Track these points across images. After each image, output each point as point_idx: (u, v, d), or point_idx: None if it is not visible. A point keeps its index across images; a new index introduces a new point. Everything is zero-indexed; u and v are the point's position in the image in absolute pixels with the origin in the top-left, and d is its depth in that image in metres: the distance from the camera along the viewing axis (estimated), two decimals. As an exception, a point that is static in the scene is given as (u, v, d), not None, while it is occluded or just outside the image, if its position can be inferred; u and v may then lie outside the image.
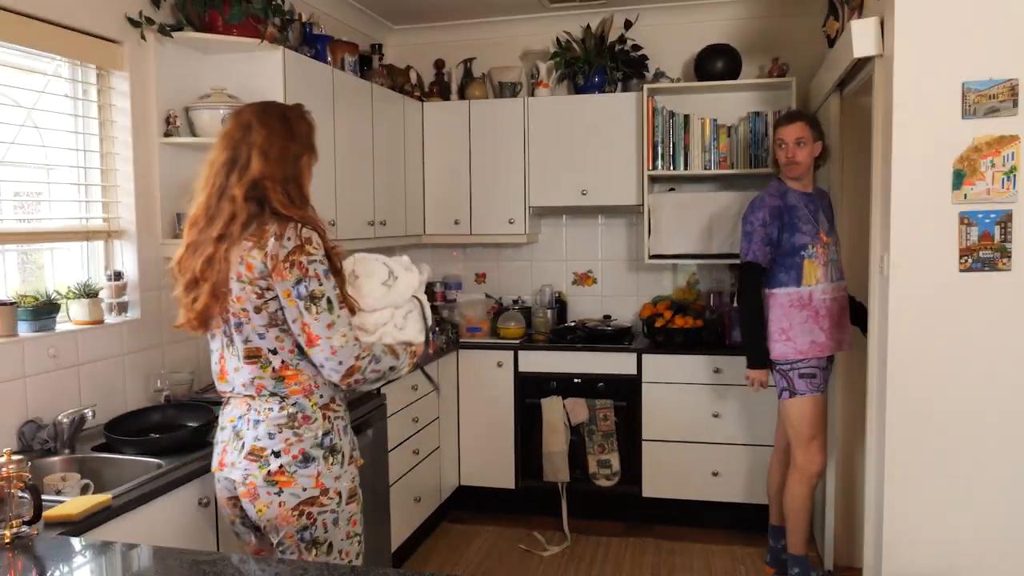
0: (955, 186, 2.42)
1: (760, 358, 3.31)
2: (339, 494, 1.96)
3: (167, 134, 3.01)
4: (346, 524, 2.00)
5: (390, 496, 3.47)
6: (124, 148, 2.88)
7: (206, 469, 2.27)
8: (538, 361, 4.30)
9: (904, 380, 2.49)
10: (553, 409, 4.21)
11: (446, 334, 4.37)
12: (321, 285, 1.87)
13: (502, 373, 4.34)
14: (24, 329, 2.47)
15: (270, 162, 1.89)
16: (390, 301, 2.08)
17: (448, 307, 4.69)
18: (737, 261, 4.17)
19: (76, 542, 1.73)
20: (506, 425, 4.34)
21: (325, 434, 1.96)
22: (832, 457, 3.51)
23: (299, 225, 1.88)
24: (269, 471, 1.91)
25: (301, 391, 1.94)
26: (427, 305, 2.23)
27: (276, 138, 1.91)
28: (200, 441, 2.45)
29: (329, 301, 1.88)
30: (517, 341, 4.39)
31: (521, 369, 4.31)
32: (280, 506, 1.92)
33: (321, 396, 1.97)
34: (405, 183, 4.39)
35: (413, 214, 4.51)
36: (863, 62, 2.82)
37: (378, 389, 3.33)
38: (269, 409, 1.94)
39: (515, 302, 4.78)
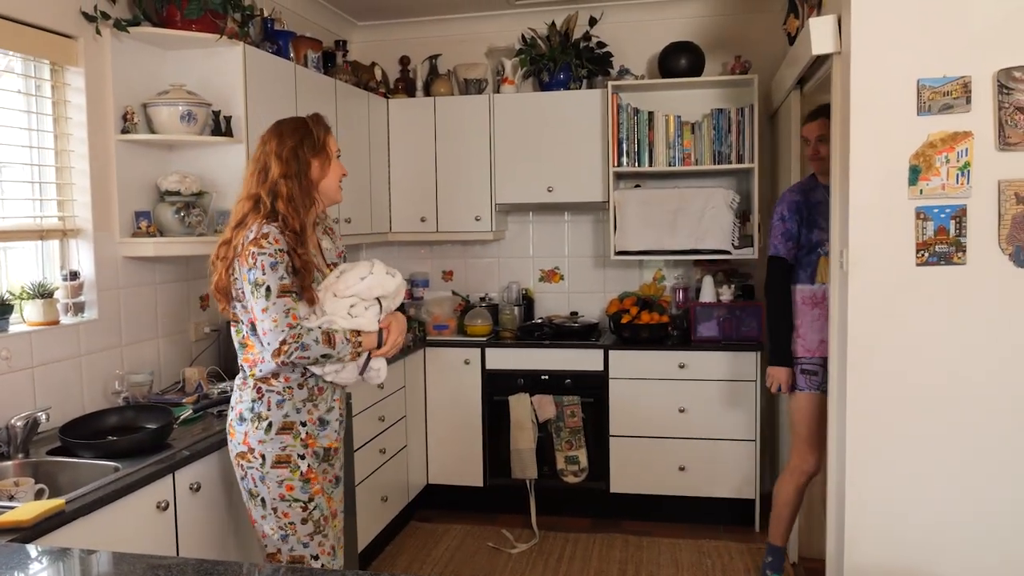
0: (911, 182, 2.45)
1: (782, 356, 3.23)
2: (262, 456, 2.22)
3: (124, 131, 2.95)
4: (276, 486, 2.22)
5: (356, 495, 3.44)
6: (80, 145, 2.82)
7: (165, 472, 2.25)
8: (505, 358, 4.29)
9: (863, 373, 2.52)
10: (521, 406, 4.20)
11: (412, 332, 4.35)
12: (264, 275, 2.12)
13: (469, 371, 4.32)
14: (-25, 331, 2.41)
15: (283, 163, 2.21)
16: (356, 291, 2.25)
17: (415, 305, 4.66)
18: (703, 257, 4.25)
19: (27, 548, 1.68)
20: (474, 423, 4.33)
21: (253, 401, 2.24)
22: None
23: (264, 222, 2.16)
24: (228, 421, 2.30)
25: (250, 361, 2.26)
26: (390, 310, 2.35)
27: (288, 143, 2.23)
28: (159, 443, 2.41)
29: (268, 289, 2.12)
30: (484, 338, 4.38)
31: (488, 366, 4.30)
32: (230, 452, 2.29)
33: (260, 370, 2.23)
34: (370, 181, 4.35)
35: (379, 212, 4.47)
36: (822, 59, 2.84)
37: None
38: (239, 370, 2.31)
39: (482, 299, 4.76)
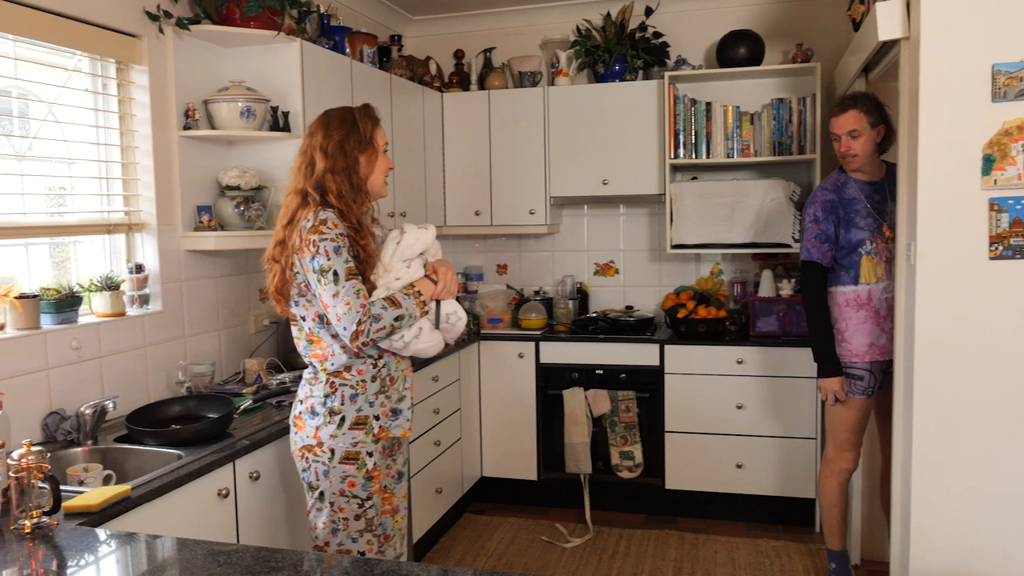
0: (985, 171, 2.36)
1: (832, 366, 3.08)
2: (331, 451, 2.21)
3: (186, 127, 3.02)
4: (339, 481, 2.21)
5: (411, 487, 3.47)
6: (144, 141, 2.90)
7: (226, 460, 2.30)
8: (560, 352, 4.28)
9: (932, 371, 2.44)
10: (575, 400, 4.19)
11: (468, 326, 4.35)
12: (329, 260, 2.10)
13: (523, 364, 4.32)
14: (47, 322, 2.50)
15: (328, 158, 2.18)
16: (400, 255, 2.27)
17: (469, 298, 4.68)
18: (762, 251, 4.16)
19: (95, 532, 1.74)
20: (528, 417, 4.33)
21: (326, 396, 2.22)
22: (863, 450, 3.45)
23: (320, 209, 2.15)
24: (296, 414, 2.28)
25: (319, 356, 2.23)
26: (436, 256, 2.37)
27: (334, 136, 2.20)
28: (220, 432, 2.47)
29: (335, 274, 2.10)
30: (538, 332, 4.38)
31: (542, 360, 4.30)
32: (293, 445, 2.28)
33: (332, 364, 2.22)
34: (425, 174, 4.38)
35: (434, 205, 4.50)
36: (889, 45, 2.75)
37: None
38: (306, 366, 2.30)
39: (536, 293, 4.76)
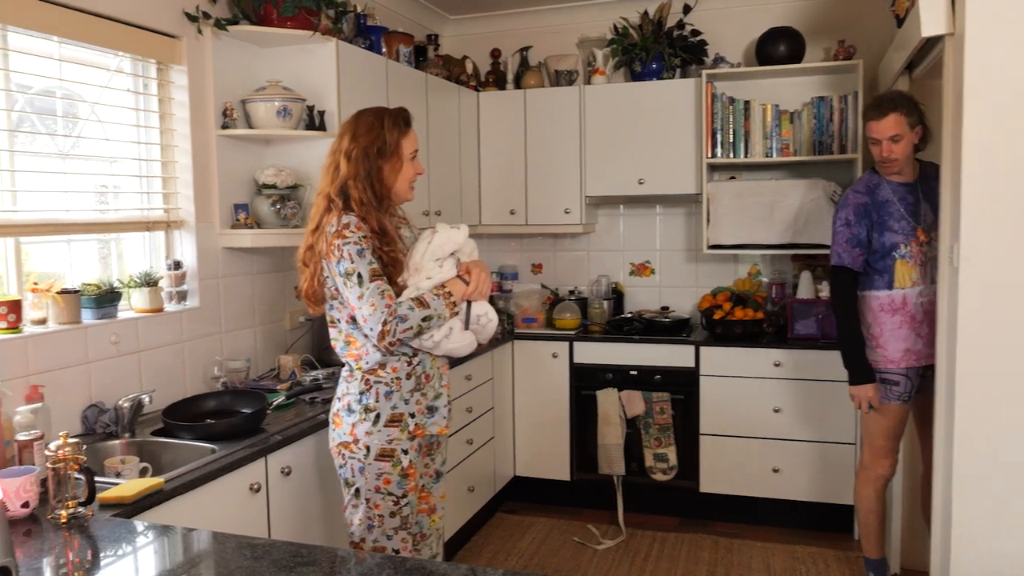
0: (1031, 171, 2.29)
1: (863, 373, 3.02)
2: (367, 448, 2.23)
3: (224, 126, 3.07)
4: (375, 478, 2.23)
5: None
6: (183, 140, 2.95)
7: (258, 455, 2.33)
8: (594, 352, 4.26)
9: (974, 377, 2.37)
10: (609, 401, 4.17)
11: (502, 325, 4.37)
12: (352, 263, 2.13)
13: (557, 364, 4.31)
14: (88, 317, 2.56)
15: (351, 164, 2.21)
16: (429, 255, 2.26)
17: (504, 297, 4.68)
18: (801, 252, 4.10)
19: (128, 523, 1.78)
20: (561, 417, 4.32)
21: (361, 393, 2.25)
22: (901, 456, 3.38)
23: (342, 214, 2.18)
24: (334, 411, 2.32)
25: (354, 355, 2.26)
26: (470, 258, 2.36)
27: (359, 142, 2.22)
28: (254, 427, 2.50)
29: (359, 276, 2.13)
30: (573, 332, 4.37)
31: (576, 360, 4.28)
32: (331, 441, 2.31)
33: (366, 362, 2.25)
34: (460, 173, 4.40)
35: (469, 204, 4.51)
36: (933, 42, 2.69)
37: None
38: (342, 365, 2.34)
39: (571, 293, 4.74)
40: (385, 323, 2.11)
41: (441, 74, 4.28)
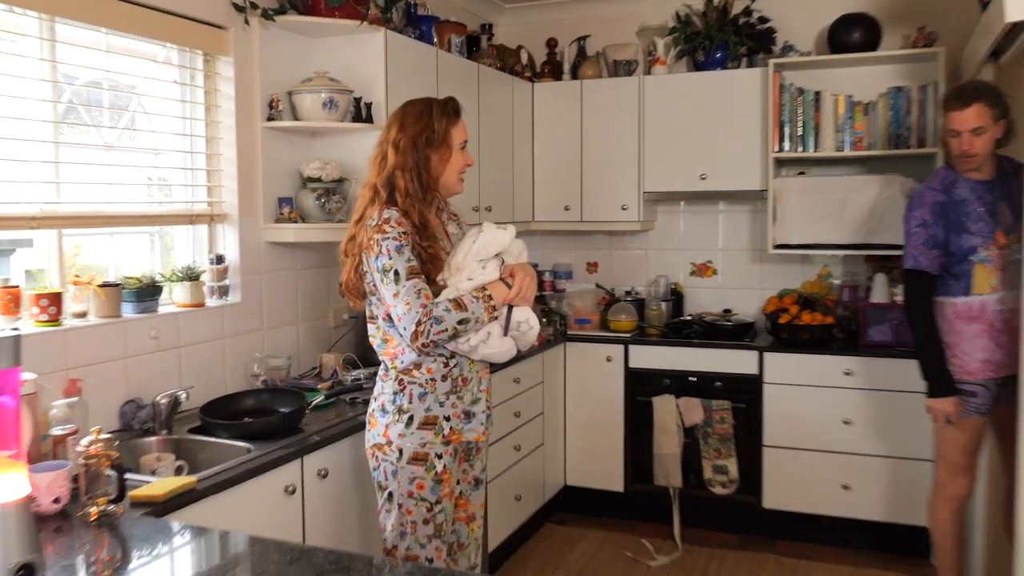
0: None
1: (944, 385, 2.91)
2: (400, 451, 2.23)
3: (270, 118, 3.10)
4: (407, 482, 2.23)
5: (488, 493, 3.46)
6: (228, 132, 3.00)
7: (294, 456, 2.34)
8: (650, 357, 4.19)
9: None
10: (665, 409, 4.09)
11: (554, 326, 4.33)
12: (391, 259, 2.14)
13: (612, 368, 4.26)
14: (128, 311, 2.61)
15: (399, 153, 2.22)
16: (473, 255, 2.24)
17: (556, 297, 4.64)
18: (875, 252, 3.96)
19: (157, 523, 1.79)
20: (615, 424, 4.26)
21: (395, 394, 2.25)
22: (981, 474, 3.23)
23: (384, 207, 2.20)
24: (370, 412, 2.33)
25: (390, 354, 2.27)
26: (518, 260, 2.32)
27: (408, 131, 2.24)
28: (291, 427, 2.51)
29: (396, 273, 2.13)
30: (628, 335, 4.30)
31: (632, 365, 4.22)
32: (367, 443, 2.31)
33: (402, 362, 2.25)
34: (513, 167, 4.37)
35: (521, 200, 4.49)
36: (1020, 27, 2.55)
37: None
38: (380, 363, 2.34)
39: (628, 293, 4.68)
40: (419, 323, 2.10)
41: (494, 65, 4.26)
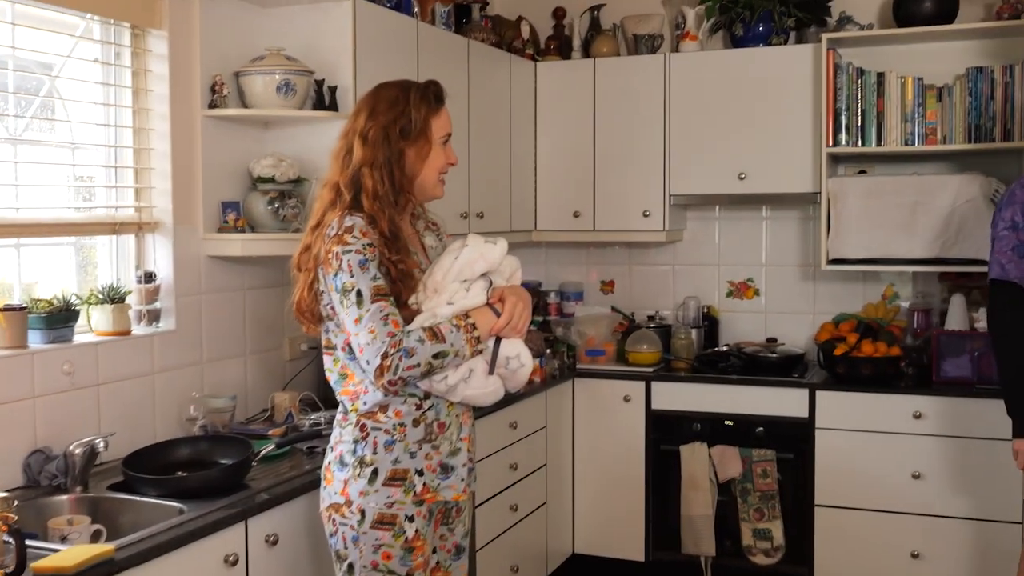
0: None
1: None
2: (361, 512, 2.21)
3: (212, 105, 3.12)
4: (371, 552, 2.21)
5: (477, 563, 3.45)
6: (161, 122, 3.01)
7: (237, 518, 2.33)
8: (678, 396, 4.22)
9: None
10: (696, 460, 4.10)
11: (560, 358, 4.33)
12: (352, 277, 2.13)
13: (630, 410, 4.27)
14: (36, 339, 2.61)
15: (368, 146, 2.22)
16: (454, 274, 2.24)
17: (563, 323, 4.66)
18: (952, 268, 3.98)
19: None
20: (634, 479, 4.27)
21: (356, 442, 2.24)
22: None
23: (348, 213, 2.19)
24: (325, 465, 2.31)
25: (350, 393, 2.26)
26: (510, 281, 2.33)
27: (379, 120, 2.24)
28: (235, 483, 2.51)
29: (359, 294, 2.12)
30: (651, 369, 4.32)
31: (655, 406, 4.24)
32: (321, 501, 2.31)
33: (364, 403, 2.24)
34: (511, 165, 4.40)
35: (521, 204, 4.51)
36: None
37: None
38: (339, 403, 2.31)
39: (650, 319, 4.71)
40: (386, 356, 2.08)
41: (489, 40, 4.29)
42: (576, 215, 4.57)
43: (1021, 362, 2.98)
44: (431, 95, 2.31)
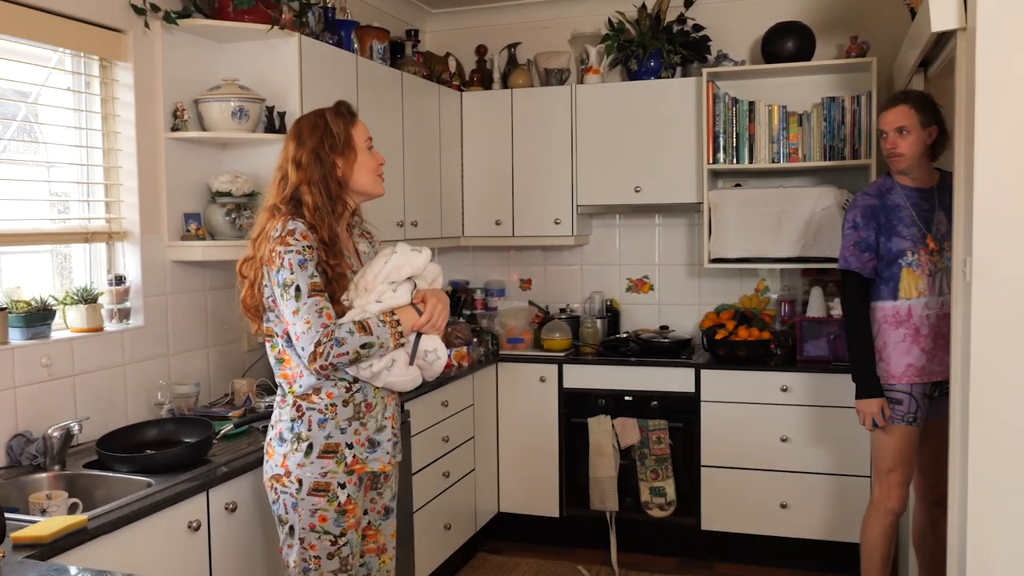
0: (1049, 178, 2.26)
1: (871, 386, 3.07)
2: (299, 481, 2.21)
3: (174, 128, 3.06)
4: (308, 515, 2.20)
5: (414, 523, 3.44)
6: (128, 143, 2.94)
7: (199, 489, 2.30)
8: (585, 376, 4.24)
9: (991, 404, 2.33)
10: (601, 430, 4.13)
11: (485, 345, 4.34)
12: (292, 274, 2.12)
13: (545, 389, 4.28)
14: (16, 336, 2.53)
15: (302, 169, 2.23)
16: (384, 276, 2.23)
17: (488, 316, 4.65)
18: (812, 266, 4.07)
19: (42, 565, 1.73)
20: (549, 447, 4.29)
21: (293, 420, 2.23)
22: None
23: (289, 219, 2.18)
24: (267, 441, 2.30)
25: (288, 377, 2.26)
26: (432, 285, 2.34)
27: (307, 145, 2.25)
28: (198, 459, 2.47)
29: (297, 289, 2.12)
30: (562, 354, 4.34)
31: (566, 385, 4.26)
32: (264, 474, 2.29)
33: (300, 386, 2.23)
34: (441, 180, 4.38)
35: (450, 214, 4.50)
36: (947, 37, 2.67)
37: (402, 406, 3.30)
38: (277, 385, 2.31)
39: (562, 311, 4.72)
40: (319, 344, 2.09)
41: (420, 72, 4.27)
42: (498, 223, 4.58)
43: (861, 336, 3.09)
44: (344, 111, 2.32)
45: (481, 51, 4.78)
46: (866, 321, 3.10)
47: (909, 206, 3.05)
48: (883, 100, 3.16)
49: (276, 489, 2.24)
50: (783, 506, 3.94)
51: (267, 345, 2.30)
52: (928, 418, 3.06)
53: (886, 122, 3.04)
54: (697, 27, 4.36)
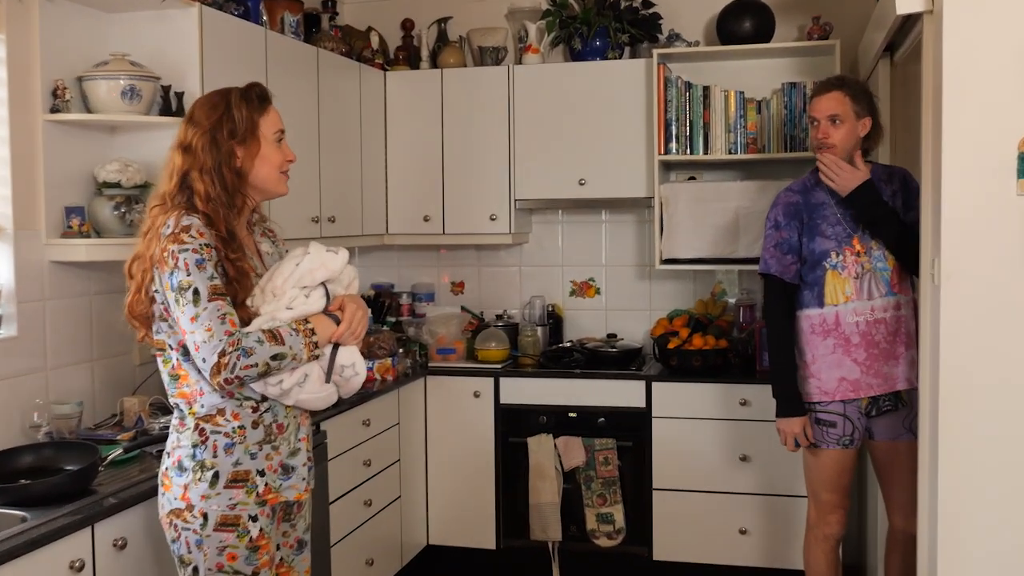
0: (1021, 174, 2.37)
1: (792, 404, 3.12)
2: (204, 515, 2.17)
3: (54, 109, 3.00)
4: (216, 554, 2.17)
5: (331, 558, 3.43)
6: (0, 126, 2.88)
7: (83, 524, 2.27)
8: (525, 390, 4.27)
9: (961, 409, 2.42)
10: (542, 450, 4.17)
11: (412, 357, 4.34)
12: (189, 275, 2.09)
13: (480, 405, 4.31)
14: None
15: (192, 154, 2.20)
16: (295, 280, 2.23)
17: (415, 323, 4.66)
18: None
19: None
20: (484, 470, 4.31)
21: (195, 447, 2.19)
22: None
23: (184, 213, 2.16)
24: (162, 471, 2.26)
25: (186, 396, 2.22)
26: (347, 290, 2.34)
27: (202, 126, 2.21)
28: (81, 489, 2.43)
29: (196, 292, 2.08)
30: (499, 366, 4.37)
31: (503, 400, 4.29)
32: (160, 508, 2.25)
33: (201, 406, 2.20)
34: (362, 171, 4.38)
35: (372, 209, 4.50)
36: (912, 20, 2.77)
37: (317, 425, 3.29)
38: (173, 407, 2.27)
39: (499, 317, 4.75)
40: (223, 354, 2.05)
41: (339, 49, 4.26)
42: (426, 219, 4.59)
43: (781, 349, 3.15)
44: (254, 95, 2.29)
45: (407, 26, 4.79)
46: (787, 332, 3.15)
47: (833, 204, 3.09)
48: (815, 86, 3.21)
49: (176, 526, 2.20)
50: (743, 532, 4.03)
51: (159, 360, 2.26)
52: (874, 439, 3.13)
53: (818, 109, 3.06)
54: (647, 3, 4.44)
